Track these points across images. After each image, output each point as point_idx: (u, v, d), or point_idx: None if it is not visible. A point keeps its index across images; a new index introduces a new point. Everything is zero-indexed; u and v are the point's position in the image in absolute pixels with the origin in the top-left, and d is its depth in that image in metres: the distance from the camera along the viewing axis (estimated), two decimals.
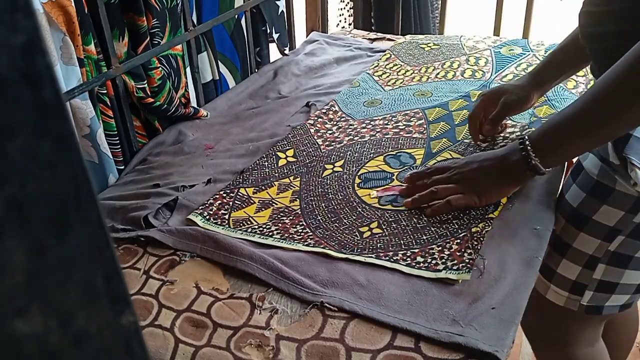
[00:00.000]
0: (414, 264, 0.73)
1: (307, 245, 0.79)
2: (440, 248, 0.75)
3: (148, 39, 1.06)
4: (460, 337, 0.62)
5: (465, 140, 1.00)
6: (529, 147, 0.75)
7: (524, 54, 1.32)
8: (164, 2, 1.08)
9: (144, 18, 1.04)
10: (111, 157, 1.01)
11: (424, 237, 0.78)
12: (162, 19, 1.08)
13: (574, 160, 0.92)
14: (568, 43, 0.96)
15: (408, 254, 0.75)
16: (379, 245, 0.77)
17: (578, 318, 0.92)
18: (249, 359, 0.63)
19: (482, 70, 1.27)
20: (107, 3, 0.97)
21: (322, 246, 0.78)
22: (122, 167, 1.06)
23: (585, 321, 0.93)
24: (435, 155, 0.97)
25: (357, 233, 0.80)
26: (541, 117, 1.04)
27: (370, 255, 0.76)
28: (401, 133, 1.05)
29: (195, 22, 1.21)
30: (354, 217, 0.84)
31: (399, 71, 1.33)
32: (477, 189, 0.81)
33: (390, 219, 0.82)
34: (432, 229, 0.79)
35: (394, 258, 0.75)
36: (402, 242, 0.78)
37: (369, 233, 0.80)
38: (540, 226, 0.79)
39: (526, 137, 0.76)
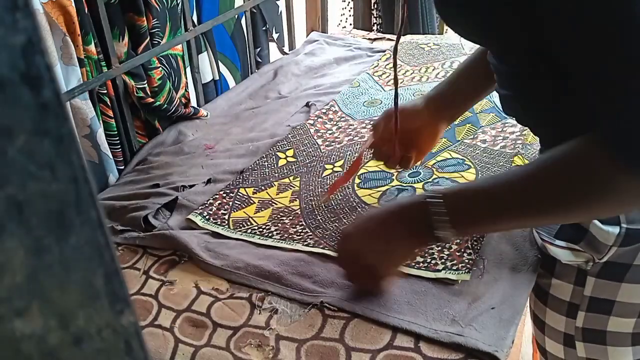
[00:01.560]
0: (413, 263, 0.73)
1: (306, 245, 0.79)
2: (439, 248, 0.75)
3: (148, 39, 1.06)
4: (460, 337, 0.62)
5: (465, 141, 1.00)
6: (437, 201, 0.60)
7: None
8: (164, 2, 1.08)
9: (144, 18, 1.04)
10: (111, 157, 1.01)
11: None
12: (162, 19, 1.08)
13: None
14: (472, 60, 0.84)
15: None
16: None
17: None
18: (248, 359, 0.63)
19: None
20: (107, 3, 0.97)
21: (321, 246, 0.78)
22: (122, 167, 1.06)
23: None
24: (435, 155, 0.97)
25: None
26: None
27: None
28: None
29: (195, 22, 1.21)
30: (354, 217, 0.84)
31: (399, 71, 1.33)
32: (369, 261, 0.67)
33: None
34: None
35: None
36: None
37: None
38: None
39: (432, 190, 0.63)
